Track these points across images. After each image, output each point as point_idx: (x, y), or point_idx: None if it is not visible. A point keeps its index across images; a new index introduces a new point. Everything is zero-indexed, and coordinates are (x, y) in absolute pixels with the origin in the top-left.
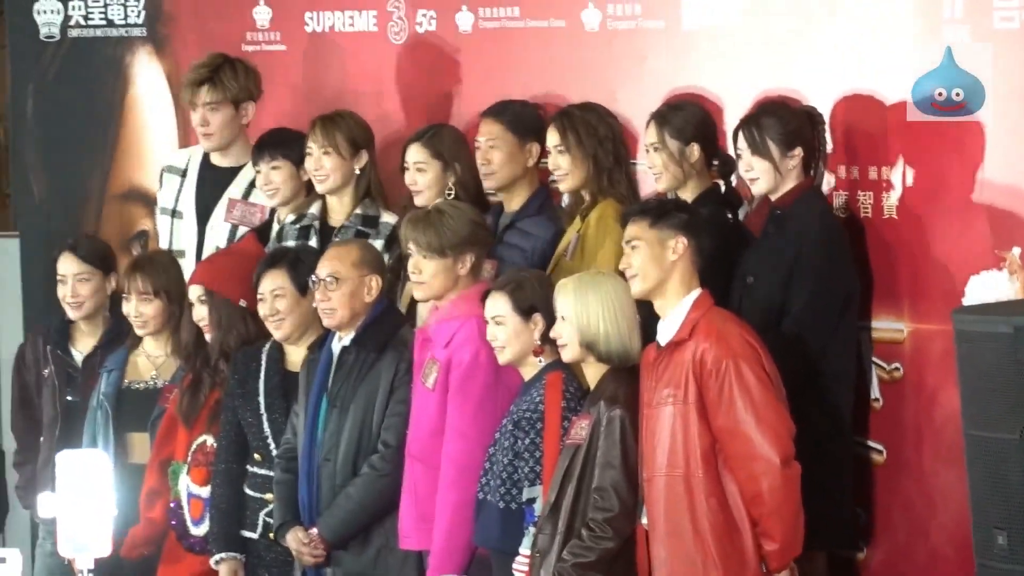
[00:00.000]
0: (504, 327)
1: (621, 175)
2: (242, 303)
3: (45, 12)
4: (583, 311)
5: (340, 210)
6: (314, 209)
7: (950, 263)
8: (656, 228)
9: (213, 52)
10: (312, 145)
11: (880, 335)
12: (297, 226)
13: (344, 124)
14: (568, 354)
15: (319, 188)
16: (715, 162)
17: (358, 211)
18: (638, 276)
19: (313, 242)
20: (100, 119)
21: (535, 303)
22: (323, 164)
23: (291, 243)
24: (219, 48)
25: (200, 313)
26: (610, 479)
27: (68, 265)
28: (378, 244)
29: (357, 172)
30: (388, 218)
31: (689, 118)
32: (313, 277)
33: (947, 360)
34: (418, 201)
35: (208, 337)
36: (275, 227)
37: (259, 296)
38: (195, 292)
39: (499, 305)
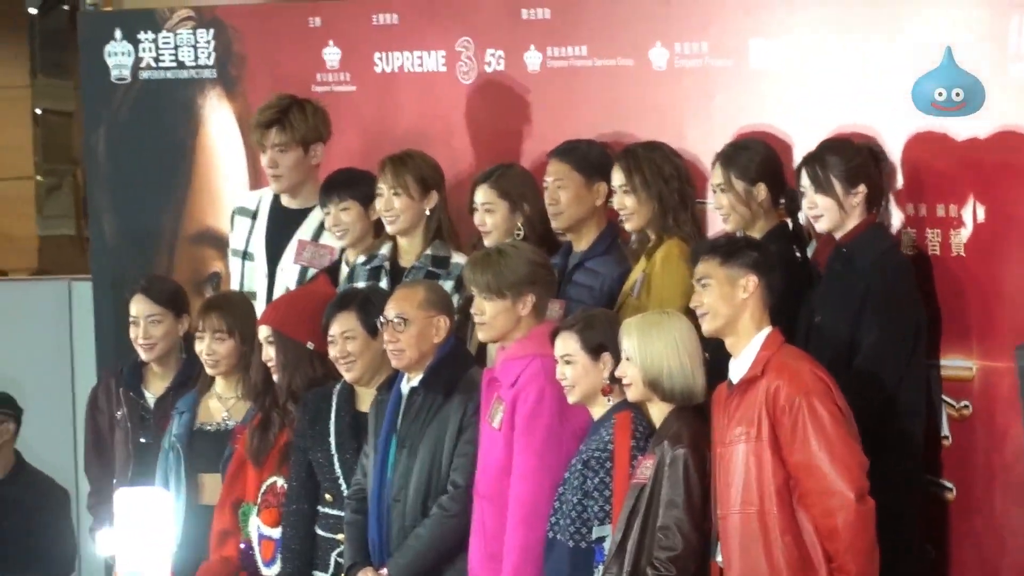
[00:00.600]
0: (573, 366)
1: (687, 215)
2: (310, 345)
3: (116, 54)
4: (646, 350)
5: (410, 251)
6: (384, 250)
7: (1020, 300)
8: (726, 267)
9: (281, 93)
10: (382, 186)
11: (949, 373)
12: (367, 267)
13: (413, 164)
14: (633, 393)
15: (389, 229)
16: (782, 200)
17: (428, 252)
18: (709, 314)
19: (384, 283)
20: (171, 161)
21: (604, 342)
22: (393, 205)
23: (361, 284)
24: (289, 89)
25: (268, 354)
26: (673, 518)
27: (140, 307)
28: (448, 285)
29: (427, 212)
30: (459, 259)
31: (754, 157)
32: (381, 318)
33: (1016, 397)
34: (487, 241)
35: (276, 378)
36: (344, 268)
37: (329, 338)
38: (264, 332)
39: (568, 344)
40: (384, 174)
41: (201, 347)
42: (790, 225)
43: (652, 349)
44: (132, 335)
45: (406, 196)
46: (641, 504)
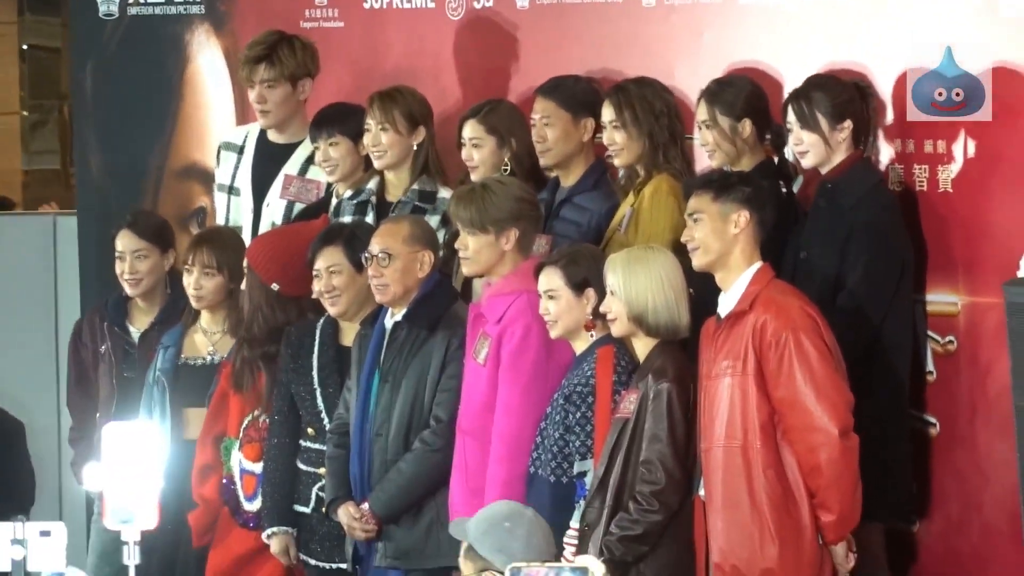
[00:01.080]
0: (557, 301)
1: (676, 151)
2: (274, 286)
3: None
4: (631, 285)
5: (398, 185)
6: (371, 184)
7: (1006, 236)
8: (719, 202)
9: (269, 29)
10: (370, 121)
11: (934, 308)
12: (354, 201)
13: (402, 99)
14: (617, 328)
15: (377, 164)
16: (768, 135)
17: (415, 187)
18: (700, 249)
19: (370, 218)
20: (159, 97)
21: (588, 277)
22: (381, 140)
23: (348, 218)
24: (278, 25)
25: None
26: (657, 452)
27: (126, 242)
28: (434, 220)
29: (415, 147)
30: (445, 193)
31: (739, 93)
32: (366, 253)
33: (1001, 333)
34: (474, 177)
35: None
36: (333, 202)
37: (315, 272)
38: (244, 263)
39: (552, 279)
40: (372, 109)
41: (189, 280)
42: (776, 161)
43: (637, 284)
44: (118, 270)
45: (394, 131)
46: (624, 438)
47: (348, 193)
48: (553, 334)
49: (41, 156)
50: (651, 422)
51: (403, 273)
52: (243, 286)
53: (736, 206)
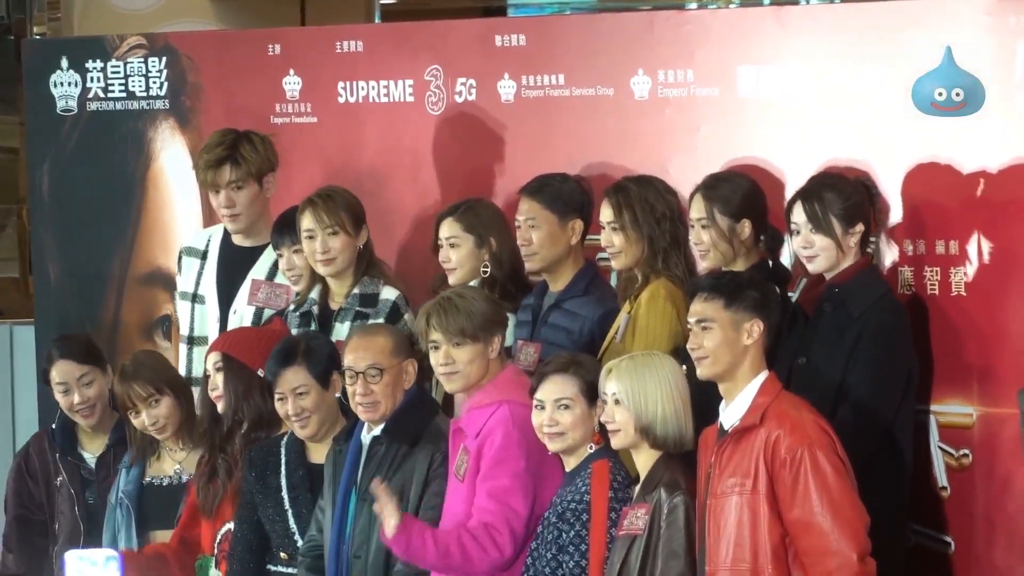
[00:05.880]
0: (571, 411)
1: (679, 256)
2: (260, 372)
3: (63, 84)
4: (640, 394)
5: (340, 291)
6: (313, 294)
7: (1022, 342)
8: (731, 310)
9: (223, 129)
10: (313, 227)
11: (947, 419)
12: (298, 313)
13: (343, 200)
14: (621, 440)
15: (324, 270)
16: (762, 237)
17: (356, 291)
18: (709, 359)
19: (313, 327)
20: (120, 197)
21: (597, 386)
22: (330, 244)
23: (294, 331)
24: (246, 121)
25: (215, 382)
26: (676, 570)
27: (66, 370)
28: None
29: (360, 249)
30: (387, 294)
31: (736, 190)
32: (348, 370)
33: (1019, 445)
34: (452, 279)
35: (220, 408)
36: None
37: (278, 395)
38: (212, 360)
39: (566, 387)
40: (317, 213)
41: (140, 421)
42: (770, 263)
43: (645, 392)
44: (64, 404)
45: (343, 234)
46: (633, 556)
47: (292, 306)
48: (555, 447)
49: None
50: (667, 537)
51: (393, 387)
52: (218, 381)
53: (749, 315)
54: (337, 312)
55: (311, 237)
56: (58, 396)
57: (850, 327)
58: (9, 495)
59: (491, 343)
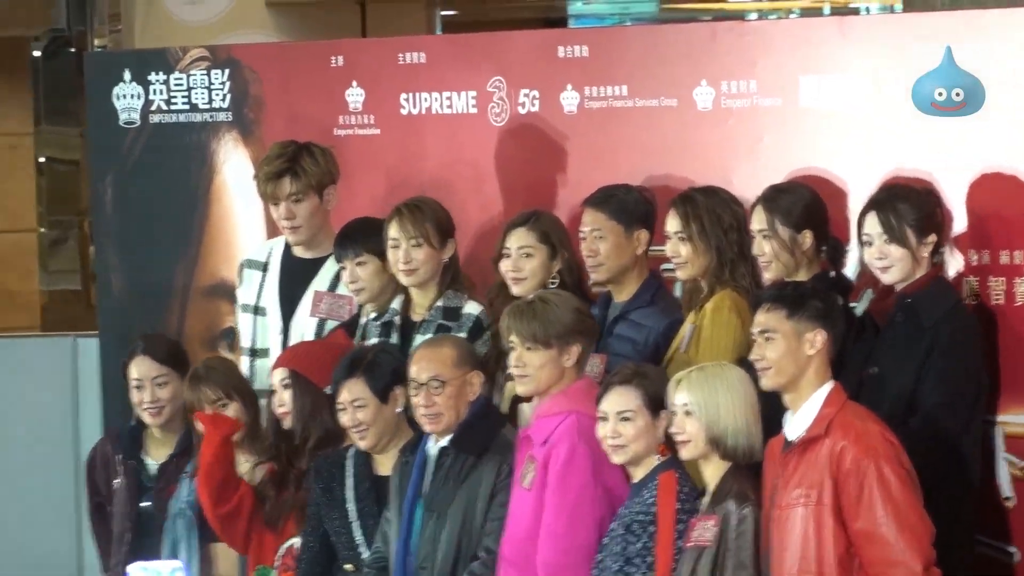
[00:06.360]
0: (633, 422)
1: (745, 267)
2: (328, 390)
3: (125, 97)
4: (711, 404)
5: (423, 303)
6: (396, 304)
7: None
8: (794, 320)
9: (283, 141)
10: (398, 236)
11: (1013, 430)
12: (379, 323)
13: (431, 212)
14: (691, 451)
15: (407, 281)
16: (824, 248)
17: (439, 303)
18: (772, 370)
19: (394, 338)
20: (183, 209)
21: (662, 398)
22: (414, 256)
23: (374, 340)
24: (310, 132)
25: (282, 398)
26: None
27: (144, 368)
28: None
29: (445, 262)
30: (471, 309)
31: (798, 201)
32: (412, 381)
33: None
34: (518, 289)
35: (287, 424)
36: (362, 322)
37: (339, 405)
38: (279, 376)
39: (628, 399)
40: (402, 223)
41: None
42: (831, 274)
43: (716, 404)
44: (135, 399)
45: (428, 246)
46: (701, 568)
47: (373, 314)
48: (620, 459)
49: (60, 275)
50: (736, 549)
51: (456, 399)
52: (285, 398)
53: (812, 325)
54: (419, 324)
55: (395, 246)
56: (132, 392)
57: (922, 337)
58: (87, 490)
59: (567, 351)
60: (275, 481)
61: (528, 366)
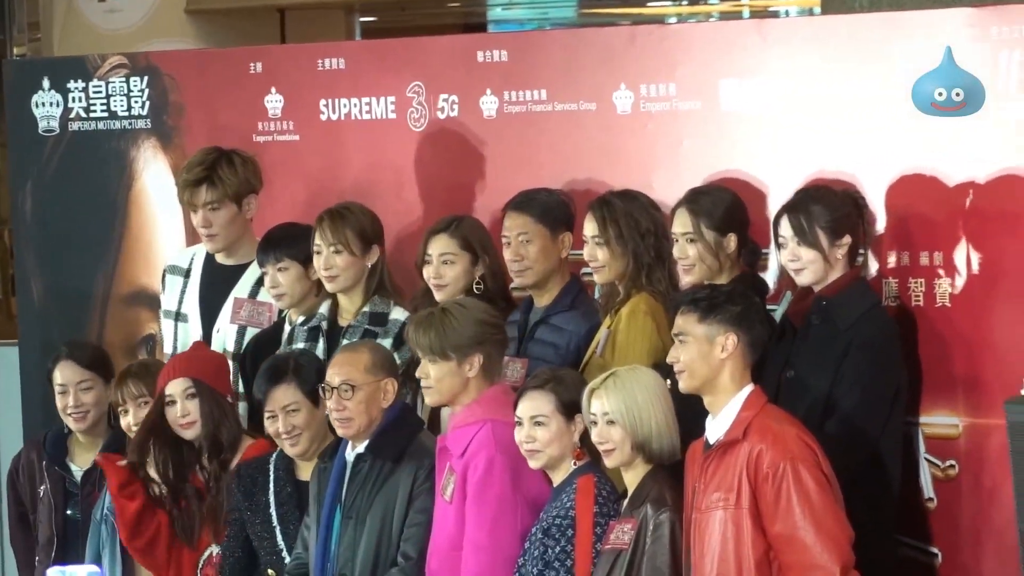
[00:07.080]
0: (546, 427)
1: (662, 272)
2: (230, 399)
3: (44, 105)
4: (632, 410)
5: (350, 308)
6: (323, 309)
7: (1009, 352)
8: (705, 323)
9: (206, 147)
10: (320, 242)
11: (933, 431)
12: (306, 327)
13: (353, 218)
14: (616, 459)
15: (330, 287)
16: (743, 250)
17: (366, 309)
18: (686, 372)
19: (320, 344)
20: (103, 216)
21: (577, 402)
22: (334, 262)
23: (301, 345)
24: (229, 139)
25: (187, 408)
26: None
27: (68, 373)
28: (387, 343)
29: (368, 268)
30: (398, 315)
31: (720, 203)
32: (324, 385)
33: (1005, 456)
34: (441, 296)
35: (191, 434)
36: (287, 328)
37: (268, 414)
38: (181, 386)
39: (541, 404)
40: (323, 230)
41: (126, 421)
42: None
43: (636, 408)
44: (60, 404)
45: (348, 252)
46: (617, 571)
47: (300, 319)
48: (536, 464)
49: None
50: (652, 553)
51: (367, 404)
52: (189, 407)
53: (723, 328)
54: (346, 329)
55: (318, 252)
56: (56, 398)
57: (838, 340)
58: (8, 498)
59: (468, 361)
60: (172, 496)
61: (430, 377)
